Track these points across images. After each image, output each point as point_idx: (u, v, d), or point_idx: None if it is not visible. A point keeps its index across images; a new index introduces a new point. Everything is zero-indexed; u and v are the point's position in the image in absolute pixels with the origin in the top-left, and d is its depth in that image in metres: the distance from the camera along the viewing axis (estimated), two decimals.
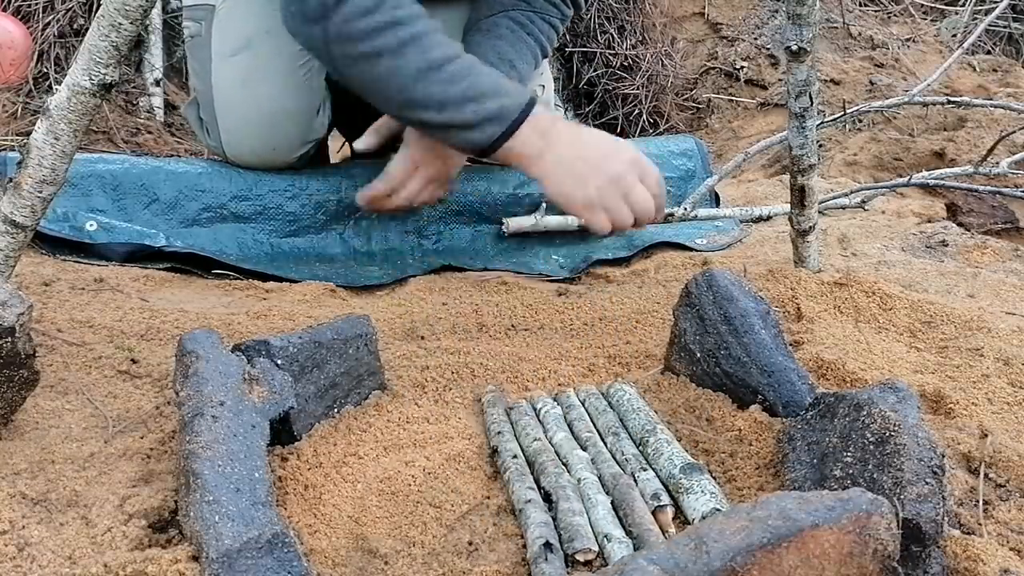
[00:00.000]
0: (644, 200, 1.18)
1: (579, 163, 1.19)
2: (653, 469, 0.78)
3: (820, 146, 2.46)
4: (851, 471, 0.67)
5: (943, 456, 0.65)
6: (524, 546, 0.69)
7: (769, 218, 1.69)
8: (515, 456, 0.80)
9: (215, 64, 1.42)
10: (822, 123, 1.62)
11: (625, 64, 2.91)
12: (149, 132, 2.30)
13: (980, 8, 3.29)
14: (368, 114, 1.79)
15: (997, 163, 1.67)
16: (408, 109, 1.19)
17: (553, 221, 1.54)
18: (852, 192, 1.75)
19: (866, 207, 1.78)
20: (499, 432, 0.85)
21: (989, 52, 3.22)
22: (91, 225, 1.33)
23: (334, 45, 1.16)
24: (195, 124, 1.53)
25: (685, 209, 1.57)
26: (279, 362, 0.80)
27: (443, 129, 1.19)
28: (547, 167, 1.20)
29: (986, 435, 0.81)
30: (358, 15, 1.12)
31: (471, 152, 1.24)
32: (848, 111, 1.66)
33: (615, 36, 2.91)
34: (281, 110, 1.41)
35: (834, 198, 1.73)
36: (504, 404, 0.93)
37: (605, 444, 0.84)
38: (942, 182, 1.61)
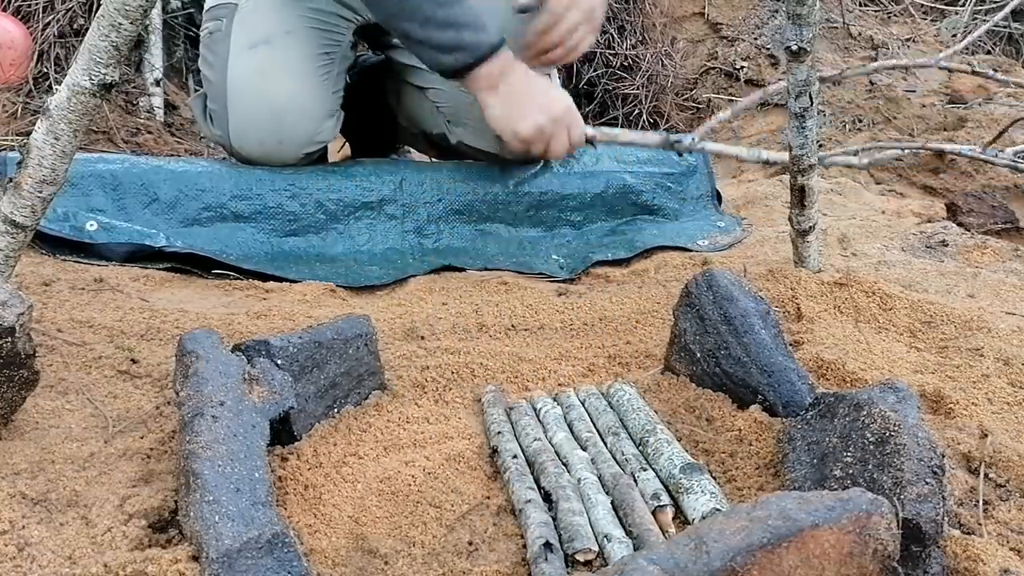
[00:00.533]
0: (567, 143, 1.42)
1: (526, 100, 1.37)
2: (653, 469, 0.78)
3: (820, 146, 2.46)
4: (851, 471, 0.67)
5: (943, 456, 0.65)
6: (524, 546, 0.68)
7: (775, 164, 1.64)
8: (515, 456, 0.80)
9: (233, 54, 1.45)
10: (824, 79, 1.60)
11: (625, 64, 2.91)
12: (149, 132, 2.30)
13: (980, 8, 3.29)
14: (374, 122, 1.81)
15: (1003, 149, 1.65)
16: (395, 18, 1.32)
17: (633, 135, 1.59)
18: (860, 151, 1.71)
19: (871, 166, 1.75)
20: (499, 432, 0.85)
21: (989, 52, 3.22)
22: (91, 225, 1.33)
23: None
24: (200, 116, 1.55)
25: (693, 139, 1.58)
26: (279, 362, 0.80)
27: (419, 44, 1.32)
28: (497, 99, 1.37)
29: (986, 435, 0.81)
30: None
31: (437, 72, 1.37)
32: (849, 71, 1.62)
33: (615, 36, 2.90)
34: (294, 104, 1.44)
35: (843, 153, 1.69)
36: (504, 404, 0.93)
37: (605, 444, 0.84)
38: (956, 149, 1.60)
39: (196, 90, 1.55)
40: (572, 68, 2.98)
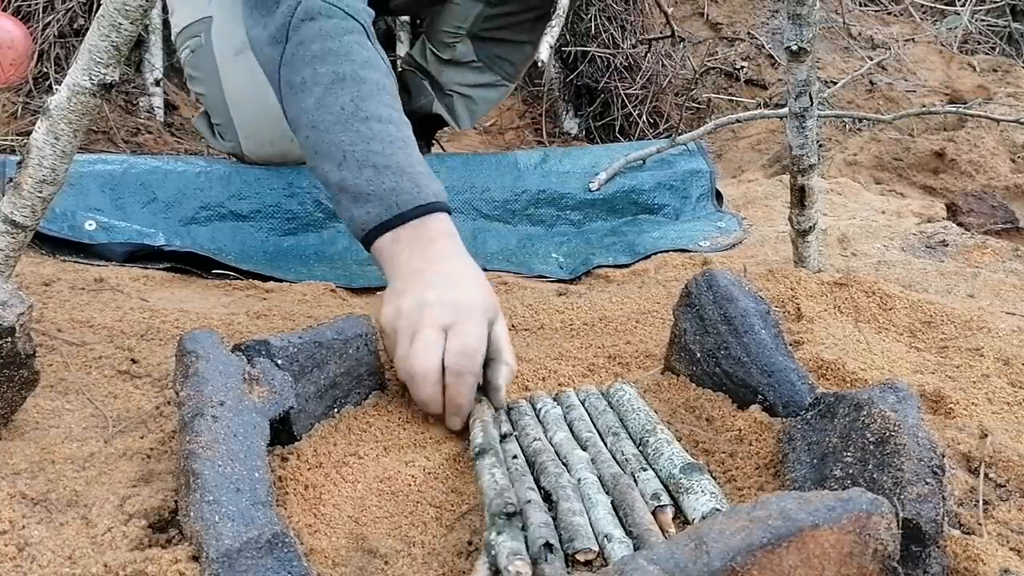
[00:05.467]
0: (471, 380, 0.85)
1: (430, 276, 0.90)
2: (653, 469, 0.78)
3: (820, 146, 2.46)
4: (851, 471, 0.67)
5: (943, 456, 0.65)
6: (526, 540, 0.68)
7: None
8: (515, 456, 0.80)
9: (221, 66, 1.44)
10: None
11: (625, 64, 2.91)
12: (149, 132, 2.30)
13: (980, 8, 3.29)
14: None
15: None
16: (316, 157, 0.98)
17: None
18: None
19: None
20: (502, 436, 0.85)
21: (989, 52, 3.22)
22: (90, 225, 1.33)
23: (284, 70, 1.01)
24: (207, 134, 1.55)
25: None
26: (279, 362, 0.80)
27: (336, 194, 0.97)
28: (389, 283, 0.94)
29: (986, 435, 0.81)
30: (313, 39, 1.00)
31: (356, 236, 0.98)
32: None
33: (615, 36, 2.90)
34: None
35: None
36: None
37: (605, 444, 0.84)
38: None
39: (198, 105, 1.54)
40: (573, 68, 2.98)
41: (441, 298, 0.87)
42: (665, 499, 0.73)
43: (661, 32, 2.86)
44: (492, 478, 0.73)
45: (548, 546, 0.65)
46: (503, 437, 0.82)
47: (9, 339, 0.74)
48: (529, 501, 0.71)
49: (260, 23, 1.07)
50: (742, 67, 3.02)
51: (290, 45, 1.02)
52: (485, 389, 0.89)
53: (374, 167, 0.94)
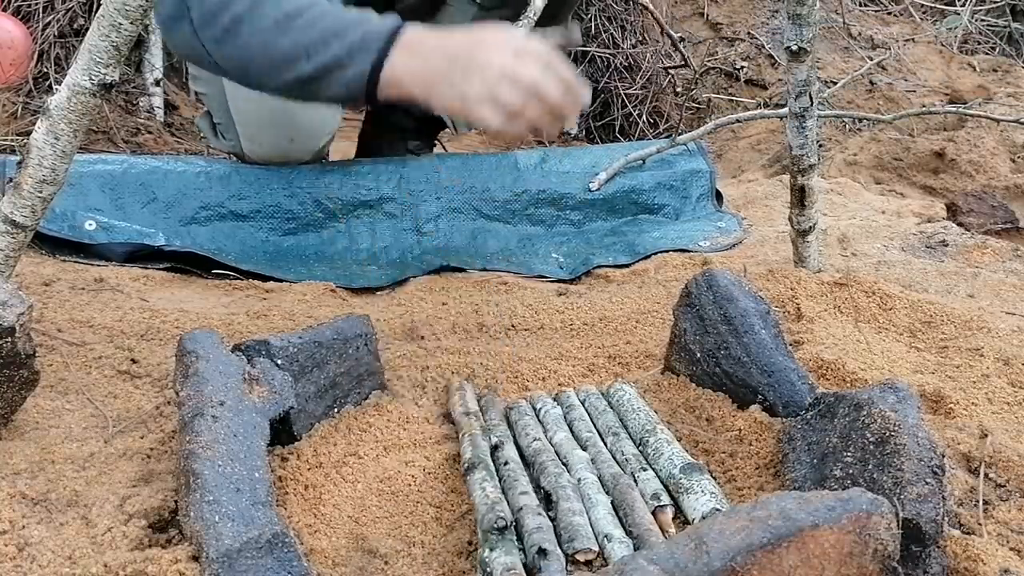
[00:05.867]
0: (534, 80, 0.94)
1: (454, 64, 0.96)
2: (653, 469, 0.78)
3: (820, 146, 2.46)
4: (851, 471, 0.67)
5: (943, 456, 0.65)
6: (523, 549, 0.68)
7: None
8: (506, 463, 0.80)
9: None
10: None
11: (625, 64, 2.91)
12: (149, 132, 2.30)
13: (980, 8, 3.29)
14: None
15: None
16: (283, 70, 1.02)
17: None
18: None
19: None
20: (497, 445, 0.85)
21: (989, 52, 3.22)
22: (90, 224, 1.33)
23: (202, 34, 1.03)
24: (209, 133, 1.55)
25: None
26: (279, 362, 0.80)
27: (320, 79, 1.01)
28: (428, 88, 0.98)
29: (986, 435, 0.81)
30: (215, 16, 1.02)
31: (354, 101, 1.03)
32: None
33: (615, 36, 2.90)
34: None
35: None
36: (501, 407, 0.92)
37: (605, 444, 0.84)
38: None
39: (198, 105, 1.54)
40: (574, 67, 2.98)
41: (479, 48, 0.95)
42: (665, 499, 0.73)
43: (662, 33, 2.85)
44: (483, 492, 0.72)
45: (542, 551, 0.65)
46: (494, 448, 0.82)
47: (9, 339, 0.74)
48: (522, 508, 0.70)
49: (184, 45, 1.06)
50: (742, 67, 3.01)
51: (207, 33, 1.03)
52: (562, 46, 0.99)
53: (335, 35, 0.99)
